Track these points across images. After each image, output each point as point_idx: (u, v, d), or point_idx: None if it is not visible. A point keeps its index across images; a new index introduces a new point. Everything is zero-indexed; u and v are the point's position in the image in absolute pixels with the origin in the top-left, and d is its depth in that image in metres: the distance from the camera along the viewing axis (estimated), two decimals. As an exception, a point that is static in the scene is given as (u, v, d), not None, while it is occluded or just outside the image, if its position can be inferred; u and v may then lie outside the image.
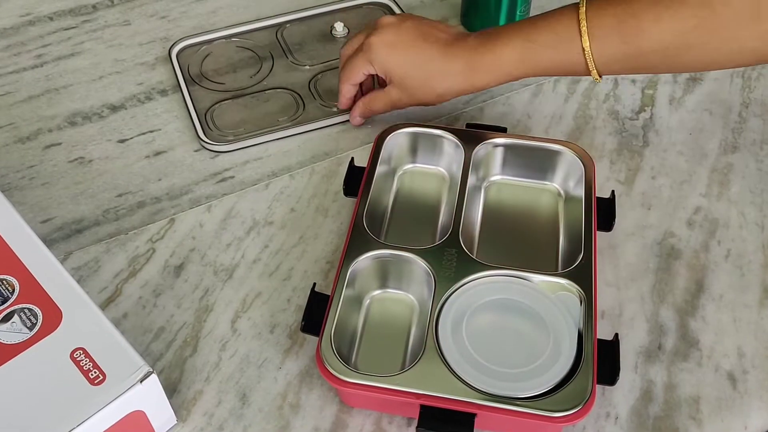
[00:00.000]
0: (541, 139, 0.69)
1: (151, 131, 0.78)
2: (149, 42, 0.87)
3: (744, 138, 0.76)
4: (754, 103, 0.79)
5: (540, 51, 0.65)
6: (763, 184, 0.71)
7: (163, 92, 0.81)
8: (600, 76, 0.64)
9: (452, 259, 0.60)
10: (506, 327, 0.57)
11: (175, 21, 0.90)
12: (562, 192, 0.68)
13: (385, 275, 0.61)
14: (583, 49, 0.63)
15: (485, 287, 0.58)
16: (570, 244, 0.62)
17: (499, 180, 0.69)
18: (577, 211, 0.64)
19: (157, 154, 0.75)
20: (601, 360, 0.54)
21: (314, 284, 0.59)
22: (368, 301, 0.61)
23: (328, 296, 0.58)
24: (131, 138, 0.77)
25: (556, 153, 0.67)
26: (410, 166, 0.70)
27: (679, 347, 0.60)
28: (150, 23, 0.89)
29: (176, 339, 0.61)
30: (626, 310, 0.62)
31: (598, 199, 0.65)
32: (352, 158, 0.68)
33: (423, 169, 0.70)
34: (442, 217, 0.65)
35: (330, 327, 0.55)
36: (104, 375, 0.50)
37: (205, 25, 0.89)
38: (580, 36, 0.62)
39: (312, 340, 0.60)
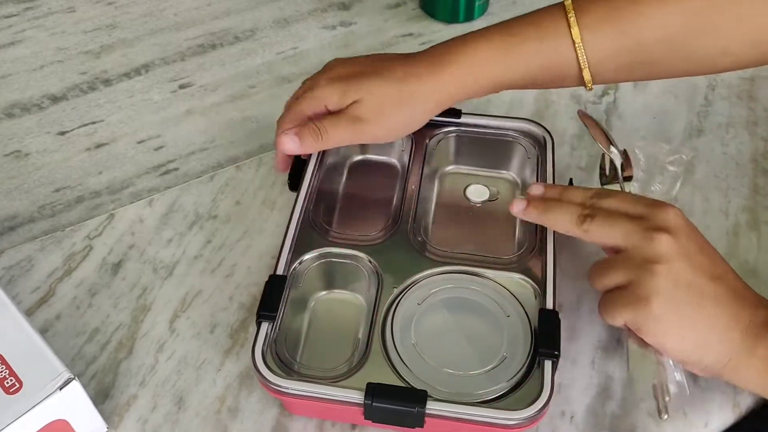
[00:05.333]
0: (498, 117, 0.65)
1: (93, 122, 0.74)
2: (94, 29, 0.83)
3: (709, 121, 0.73)
4: (721, 85, 0.76)
5: (522, 46, 0.56)
6: (728, 168, 0.69)
7: (107, 82, 0.78)
8: (592, 82, 0.56)
9: (401, 256, 0.56)
10: (458, 327, 0.54)
11: (123, 7, 0.86)
12: (518, 181, 0.65)
13: (331, 274, 0.57)
14: (573, 42, 0.55)
15: (435, 285, 0.55)
16: (526, 237, 0.59)
17: (453, 170, 0.66)
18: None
19: (99, 146, 0.72)
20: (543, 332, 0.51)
21: (275, 270, 0.55)
22: (313, 302, 0.57)
23: (285, 278, 0.54)
24: (72, 130, 0.73)
25: (511, 141, 0.64)
26: (360, 157, 0.67)
27: (639, 341, 0.57)
28: (96, 9, 0.86)
29: (111, 341, 0.58)
30: (584, 303, 0.59)
31: None
32: None
33: (374, 159, 0.67)
34: (393, 210, 0.62)
35: (270, 332, 0.52)
36: (21, 383, 0.47)
37: (154, 11, 0.86)
38: (569, 27, 0.55)
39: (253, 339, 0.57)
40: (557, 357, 0.50)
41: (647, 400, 0.54)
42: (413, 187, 0.61)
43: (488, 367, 0.51)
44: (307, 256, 0.56)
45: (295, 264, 0.56)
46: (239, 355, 0.56)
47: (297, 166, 0.63)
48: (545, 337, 0.51)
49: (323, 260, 0.56)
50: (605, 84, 0.60)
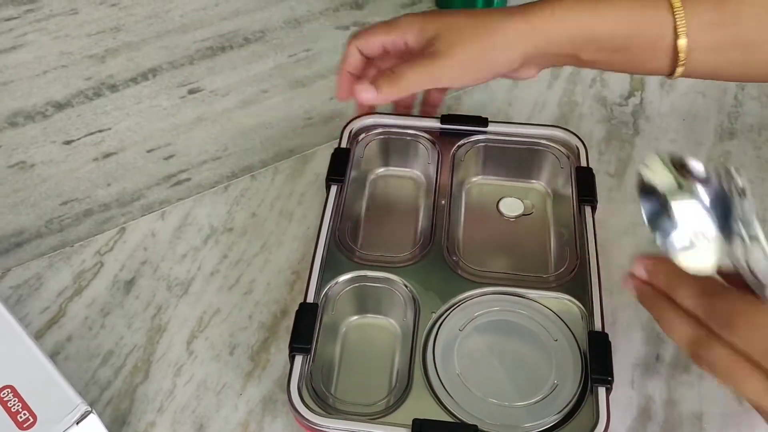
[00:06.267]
0: (526, 125, 0.62)
1: (100, 131, 0.71)
2: (98, 32, 0.80)
3: (741, 123, 0.70)
4: (751, 85, 0.73)
5: (610, 5, 0.54)
6: (764, 173, 0.66)
7: (113, 87, 0.75)
8: (685, 62, 0.53)
9: (437, 277, 0.53)
10: (503, 353, 0.51)
11: (127, 9, 0.83)
12: (550, 191, 0.62)
13: (363, 299, 0.54)
14: (672, 6, 0.53)
15: (476, 308, 0.52)
16: (566, 253, 0.56)
17: (481, 181, 0.63)
18: (568, 211, 0.58)
19: (107, 156, 0.69)
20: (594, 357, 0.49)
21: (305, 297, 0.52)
22: (344, 329, 0.54)
23: (317, 306, 0.51)
24: (78, 139, 0.70)
25: (542, 150, 0.61)
26: (382, 170, 0.64)
27: (679, 358, 0.55)
28: (99, 11, 0.83)
29: (126, 364, 0.55)
30: (620, 318, 0.57)
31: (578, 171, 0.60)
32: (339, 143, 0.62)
33: (397, 173, 0.63)
34: (422, 227, 0.59)
35: (304, 366, 0.49)
36: (35, 417, 0.44)
37: (159, 13, 0.83)
38: None
39: (276, 362, 0.54)
40: (611, 383, 0.48)
41: (691, 422, 0.52)
42: (443, 202, 0.58)
43: (539, 397, 0.48)
44: (337, 281, 0.53)
45: (326, 289, 0.53)
46: (261, 378, 0.54)
47: (339, 159, 0.59)
48: (597, 362, 0.48)
49: (355, 284, 0.53)
50: (695, 75, 0.57)
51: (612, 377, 0.48)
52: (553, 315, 0.52)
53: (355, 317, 0.54)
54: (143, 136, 0.71)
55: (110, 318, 0.58)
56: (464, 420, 0.46)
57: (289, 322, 0.52)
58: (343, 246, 0.55)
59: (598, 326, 0.50)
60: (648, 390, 0.53)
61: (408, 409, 0.47)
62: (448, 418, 0.46)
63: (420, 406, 0.47)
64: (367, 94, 0.55)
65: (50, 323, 0.57)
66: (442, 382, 0.48)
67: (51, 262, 0.61)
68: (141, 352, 0.56)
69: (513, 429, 0.46)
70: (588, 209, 0.57)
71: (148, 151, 0.69)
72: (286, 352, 0.51)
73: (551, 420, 0.47)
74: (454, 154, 0.61)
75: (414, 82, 0.56)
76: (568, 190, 0.59)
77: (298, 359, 0.49)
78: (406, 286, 0.53)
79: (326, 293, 0.53)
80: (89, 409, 0.44)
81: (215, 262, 0.61)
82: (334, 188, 0.58)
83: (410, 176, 0.63)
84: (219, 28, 0.81)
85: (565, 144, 0.62)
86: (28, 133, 0.71)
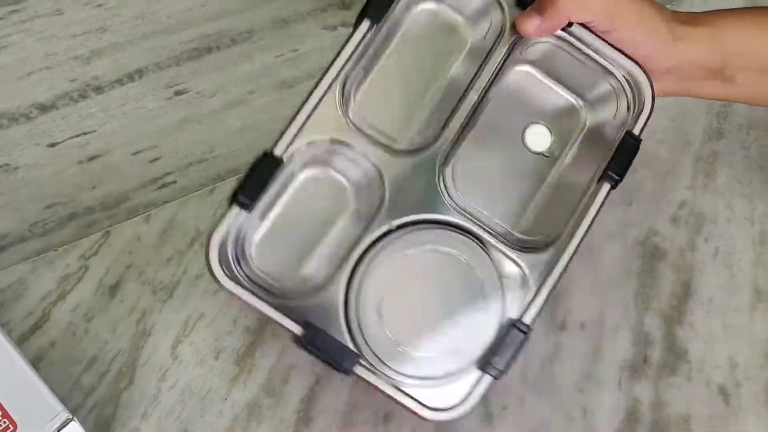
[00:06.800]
0: (612, 47, 0.53)
1: (85, 133, 0.71)
2: (84, 33, 0.80)
3: (729, 122, 0.70)
4: (739, 84, 0.73)
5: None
6: (752, 173, 0.66)
7: (98, 89, 0.74)
8: None
9: (416, 183, 0.49)
10: (431, 300, 0.48)
11: (113, 9, 0.82)
12: (587, 117, 0.55)
13: (328, 170, 0.51)
14: None
15: (431, 237, 0.48)
16: (554, 216, 0.50)
17: (528, 71, 0.54)
18: (588, 175, 0.51)
19: (92, 158, 0.68)
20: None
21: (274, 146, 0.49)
22: (293, 190, 0.51)
23: (281, 161, 0.48)
24: (63, 141, 0.70)
25: (610, 80, 0.54)
26: (430, 6, 0.54)
27: (667, 359, 0.55)
28: (85, 12, 0.82)
29: (110, 369, 0.55)
30: (608, 320, 0.57)
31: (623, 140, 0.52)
32: None
33: (445, 21, 0.54)
34: (436, 105, 0.52)
35: (238, 220, 0.47)
36: (15, 425, 0.44)
37: (146, 14, 0.82)
38: None
39: (262, 366, 0.54)
40: (497, 377, 0.46)
41: (678, 424, 0.52)
42: (475, 97, 0.51)
43: (434, 354, 0.47)
44: (316, 140, 0.49)
45: (300, 145, 0.49)
46: (246, 383, 0.54)
47: None
48: (499, 350, 0.46)
49: (330, 153, 0.50)
50: None
51: (505, 372, 0.46)
52: (499, 285, 0.48)
53: (312, 182, 0.51)
54: (129, 138, 0.70)
55: (94, 323, 0.57)
56: (356, 341, 0.47)
57: (274, 327, 0.51)
58: (342, 99, 0.50)
59: (528, 318, 0.47)
60: (635, 392, 0.53)
61: (313, 307, 0.47)
62: (343, 333, 0.47)
63: (324, 314, 0.47)
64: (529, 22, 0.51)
65: (34, 328, 0.57)
66: (358, 297, 0.47)
67: (34, 266, 0.60)
68: (125, 357, 0.55)
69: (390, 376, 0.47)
70: (606, 187, 0.51)
71: (134, 154, 0.69)
72: (273, 357, 0.51)
73: (427, 383, 0.47)
74: (516, 41, 0.53)
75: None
76: (608, 131, 0.53)
77: (234, 211, 0.47)
78: (382, 183, 0.49)
79: (299, 149, 0.49)
80: (70, 416, 0.44)
81: (200, 265, 0.60)
82: (364, 25, 0.52)
83: (459, 32, 0.54)
84: (205, 28, 0.80)
85: (636, 86, 0.54)
86: (12, 135, 0.70)
